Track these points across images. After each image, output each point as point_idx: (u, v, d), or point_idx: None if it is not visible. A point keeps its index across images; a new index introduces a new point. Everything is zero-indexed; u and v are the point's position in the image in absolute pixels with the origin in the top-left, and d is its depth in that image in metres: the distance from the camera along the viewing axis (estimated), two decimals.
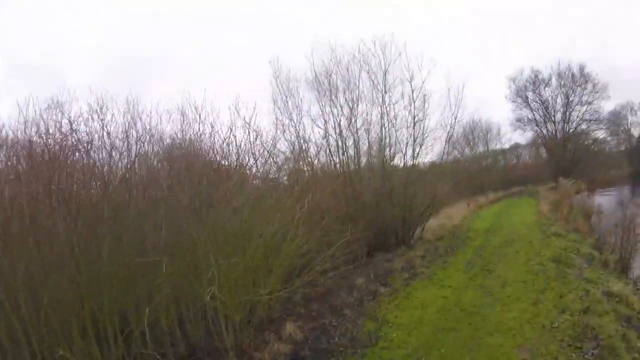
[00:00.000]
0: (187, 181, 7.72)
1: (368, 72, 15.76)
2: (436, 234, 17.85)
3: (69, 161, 7.07)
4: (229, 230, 7.56)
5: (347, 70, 15.76)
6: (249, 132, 9.03)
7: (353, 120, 15.67)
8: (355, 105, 15.74)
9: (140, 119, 8.39)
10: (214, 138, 8.80)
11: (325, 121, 15.64)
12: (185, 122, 9.05)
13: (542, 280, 9.50)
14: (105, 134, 7.57)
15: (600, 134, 46.77)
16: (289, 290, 8.81)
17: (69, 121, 7.36)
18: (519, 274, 10.17)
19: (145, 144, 8.68)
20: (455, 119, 16.50)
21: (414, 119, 15.87)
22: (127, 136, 7.95)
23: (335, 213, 13.93)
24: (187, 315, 8.06)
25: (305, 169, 15.36)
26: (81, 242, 6.15)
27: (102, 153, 7.67)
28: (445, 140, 17.08)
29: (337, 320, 8.76)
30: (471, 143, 41.53)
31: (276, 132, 14.36)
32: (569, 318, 7.21)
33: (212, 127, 8.76)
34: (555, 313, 7.53)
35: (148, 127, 8.54)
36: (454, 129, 16.86)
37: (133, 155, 8.08)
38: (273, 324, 8.80)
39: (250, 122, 8.94)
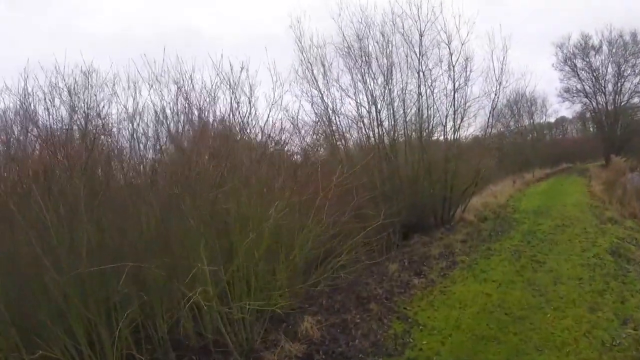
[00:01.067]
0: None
1: (402, 35, 14.30)
2: (479, 214, 16.52)
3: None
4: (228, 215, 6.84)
5: (380, 33, 14.37)
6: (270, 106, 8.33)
7: (388, 89, 14.35)
8: (389, 73, 14.35)
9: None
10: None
11: (356, 91, 14.42)
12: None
13: (599, 278, 8.25)
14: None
15: None
16: (307, 285, 7.92)
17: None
18: (573, 269, 8.92)
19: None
20: (500, 85, 14.93)
21: (454, 86, 14.46)
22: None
23: (368, 192, 13.11)
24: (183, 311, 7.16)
25: (337, 143, 14.55)
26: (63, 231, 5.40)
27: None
28: (489, 111, 15.59)
29: (362, 316, 7.81)
30: (516, 115, 38.83)
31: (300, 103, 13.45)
32: (632, 333, 6.03)
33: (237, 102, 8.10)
34: (617, 324, 6.34)
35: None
36: (498, 97, 15.31)
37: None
38: (291, 316, 7.89)
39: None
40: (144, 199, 6.62)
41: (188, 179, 6.55)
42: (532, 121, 44.64)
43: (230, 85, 7.98)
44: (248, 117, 8.30)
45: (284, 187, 7.92)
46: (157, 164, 7.89)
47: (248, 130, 8.54)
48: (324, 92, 14.20)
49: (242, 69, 7.96)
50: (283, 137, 9.82)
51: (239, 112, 8.21)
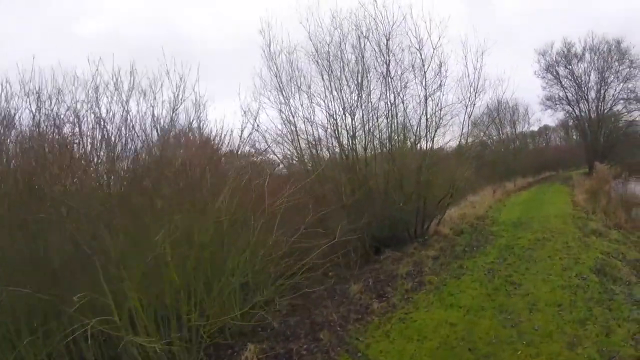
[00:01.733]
0: None
1: (367, 39, 13.28)
2: (455, 227, 15.58)
3: None
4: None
5: (349, 39, 13.36)
6: None
7: (359, 97, 13.32)
8: (360, 80, 13.33)
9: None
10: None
11: (326, 99, 13.35)
12: None
13: (582, 303, 7.12)
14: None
15: (638, 115, 41.99)
16: (245, 311, 7.09)
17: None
18: (552, 292, 7.78)
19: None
20: (475, 91, 13.85)
21: (426, 92, 13.41)
22: None
23: (335, 204, 12.12)
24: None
25: (304, 154, 13.56)
26: None
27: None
28: (464, 119, 14.42)
29: (309, 346, 6.82)
30: (497, 123, 37.92)
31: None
32: None
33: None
34: None
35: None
36: (474, 104, 14.13)
37: None
38: (241, 340, 7.17)
39: None
40: None
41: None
42: (513, 129, 43.83)
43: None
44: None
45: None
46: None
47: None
48: (292, 99, 13.27)
49: None
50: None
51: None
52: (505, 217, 17.87)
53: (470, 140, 15.14)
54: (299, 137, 13.35)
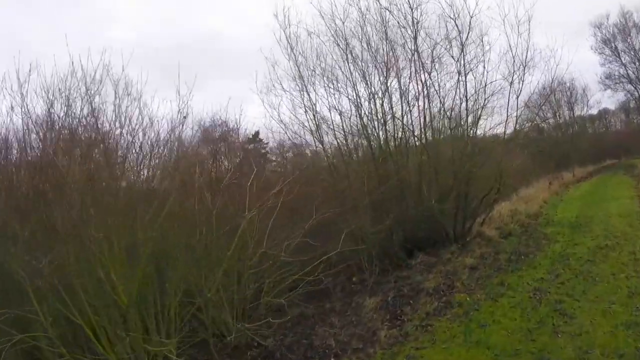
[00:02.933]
0: None
1: (391, 12, 11.50)
2: (503, 227, 13.65)
3: None
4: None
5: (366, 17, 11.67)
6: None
7: (385, 80, 11.70)
8: (387, 60, 11.71)
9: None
10: None
11: (355, 84, 11.78)
12: None
13: None
14: None
15: None
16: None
17: None
18: (613, 334, 5.90)
19: None
20: (524, 66, 11.76)
21: (465, 70, 11.56)
22: None
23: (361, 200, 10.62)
24: None
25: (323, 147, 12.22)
26: None
27: None
28: (512, 98, 12.29)
29: None
30: (552, 104, 34.15)
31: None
32: None
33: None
34: None
35: None
36: (522, 80, 11.95)
37: None
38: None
39: None
40: None
41: None
42: (572, 113, 39.42)
43: None
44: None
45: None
46: None
47: None
48: (310, 86, 11.87)
49: None
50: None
51: None
52: (562, 215, 15.66)
53: (520, 124, 12.93)
54: (320, 128, 11.97)
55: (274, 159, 19.55)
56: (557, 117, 37.04)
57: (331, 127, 11.96)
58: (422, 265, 10.43)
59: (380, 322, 7.19)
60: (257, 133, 13.82)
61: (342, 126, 11.90)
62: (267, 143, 19.67)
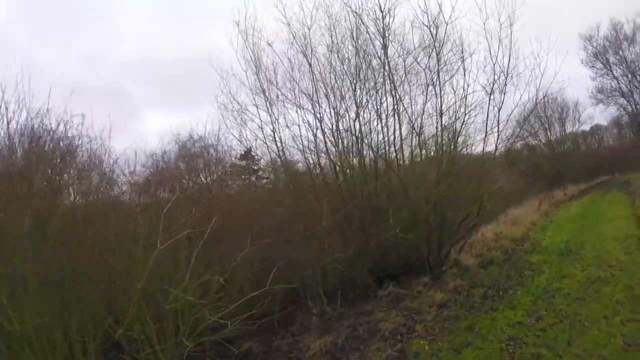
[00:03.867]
0: None
1: (358, 17, 10.57)
2: (485, 254, 12.33)
3: None
4: None
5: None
6: None
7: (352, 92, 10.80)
8: (357, 71, 10.83)
9: None
10: None
11: (317, 98, 10.89)
12: None
13: None
14: None
15: None
16: None
17: None
18: None
19: None
20: (506, 75, 10.58)
21: (440, 81, 10.52)
22: None
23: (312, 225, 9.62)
24: None
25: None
26: None
27: None
28: (486, 115, 11.04)
29: None
30: (545, 123, 33.04)
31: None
32: None
33: None
34: None
35: None
36: (504, 92, 10.77)
37: None
38: None
39: None
40: None
41: None
42: (563, 129, 38.32)
43: None
44: None
45: None
46: None
47: None
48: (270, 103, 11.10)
49: None
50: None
51: None
52: (550, 240, 14.22)
53: (503, 141, 11.62)
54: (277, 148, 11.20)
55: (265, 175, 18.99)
56: (549, 134, 36.05)
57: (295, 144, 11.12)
58: (389, 297, 9.53)
59: None
60: (249, 150, 13.12)
61: (303, 143, 10.93)
62: (259, 160, 18.83)
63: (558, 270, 10.19)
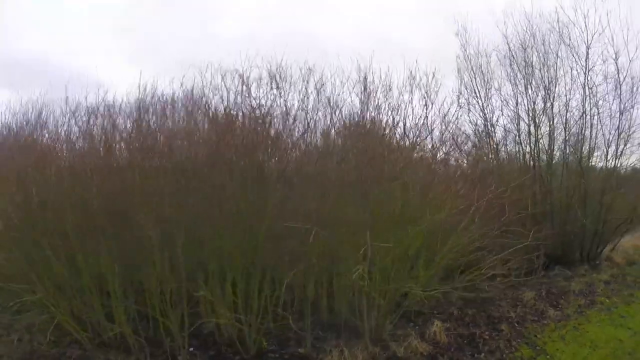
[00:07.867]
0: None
1: (568, 46, 13.52)
2: (628, 256, 15.69)
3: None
4: (389, 210, 7.40)
5: (543, 43, 13.82)
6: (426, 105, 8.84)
7: (550, 104, 13.80)
8: (551, 86, 13.79)
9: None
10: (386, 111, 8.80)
11: (516, 102, 14.13)
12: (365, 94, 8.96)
13: None
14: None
15: None
16: (447, 289, 8.54)
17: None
18: None
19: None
20: None
21: (621, 107, 13.39)
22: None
23: (517, 211, 11.67)
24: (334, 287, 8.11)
25: (490, 155, 14.47)
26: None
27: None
28: None
29: (491, 334, 8.38)
30: None
31: (459, 109, 12.61)
32: None
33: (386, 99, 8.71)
34: None
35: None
36: None
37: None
38: (420, 318, 8.77)
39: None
40: None
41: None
42: None
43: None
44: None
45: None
46: None
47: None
48: (484, 102, 14.37)
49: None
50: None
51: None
52: None
53: None
54: (488, 141, 14.38)
55: None
56: None
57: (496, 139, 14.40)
58: (560, 276, 12.83)
59: (544, 307, 9.96)
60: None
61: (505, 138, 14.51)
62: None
63: None
